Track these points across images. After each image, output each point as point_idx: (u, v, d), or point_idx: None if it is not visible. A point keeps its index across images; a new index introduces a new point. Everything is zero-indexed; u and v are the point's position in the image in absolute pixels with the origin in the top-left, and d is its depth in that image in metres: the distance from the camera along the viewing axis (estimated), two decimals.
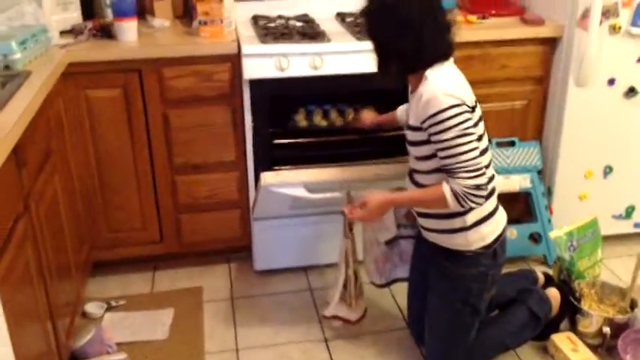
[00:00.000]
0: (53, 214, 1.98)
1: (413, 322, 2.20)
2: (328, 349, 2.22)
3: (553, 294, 2.17)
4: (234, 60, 2.33)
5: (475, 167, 1.69)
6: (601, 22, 2.32)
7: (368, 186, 2.06)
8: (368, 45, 2.29)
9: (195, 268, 2.69)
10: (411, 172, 1.92)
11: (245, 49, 2.26)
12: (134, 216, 2.54)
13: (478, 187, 1.69)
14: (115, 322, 2.35)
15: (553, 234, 2.29)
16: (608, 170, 2.63)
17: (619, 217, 2.71)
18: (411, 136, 1.82)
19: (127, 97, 2.34)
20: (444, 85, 1.70)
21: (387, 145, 2.43)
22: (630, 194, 2.69)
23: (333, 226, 2.51)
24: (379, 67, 1.85)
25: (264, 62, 2.27)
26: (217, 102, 2.41)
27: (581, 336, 2.13)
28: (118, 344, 2.20)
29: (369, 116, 2.31)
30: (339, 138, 2.47)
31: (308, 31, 2.46)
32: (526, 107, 2.63)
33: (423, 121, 1.71)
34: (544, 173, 2.67)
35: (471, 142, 1.69)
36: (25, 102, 1.75)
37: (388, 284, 2.21)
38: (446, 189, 1.71)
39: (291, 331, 2.31)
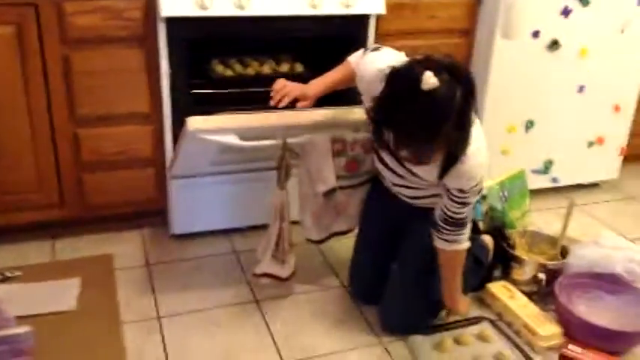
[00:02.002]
0: None
1: (360, 279, 2.09)
2: (261, 310, 2.06)
3: (487, 240, 2.18)
4: None
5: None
6: None
7: (306, 133, 1.91)
8: None
9: (101, 235, 2.42)
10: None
11: None
12: (29, 175, 2.21)
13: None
14: (11, 294, 2.04)
15: (485, 184, 2.26)
16: (529, 125, 2.66)
17: (538, 171, 2.76)
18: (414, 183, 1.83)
19: (21, 35, 2.02)
20: (481, 156, 1.65)
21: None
22: (549, 149, 2.75)
23: (255, 185, 2.36)
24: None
25: None
26: (128, 44, 2.14)
27: (515, 284, 2.13)
28: (18, 318, 1.90)
29: (310, 91, 1.88)
30: (267, 89, 2.29)
31: None
32: None
33: (458, 189, 1.69)
34: None
35: None
36: None
37: (326, 239, 2.09)
38: (460, 246, 1.81)
39: (218, 295, 2.12)
